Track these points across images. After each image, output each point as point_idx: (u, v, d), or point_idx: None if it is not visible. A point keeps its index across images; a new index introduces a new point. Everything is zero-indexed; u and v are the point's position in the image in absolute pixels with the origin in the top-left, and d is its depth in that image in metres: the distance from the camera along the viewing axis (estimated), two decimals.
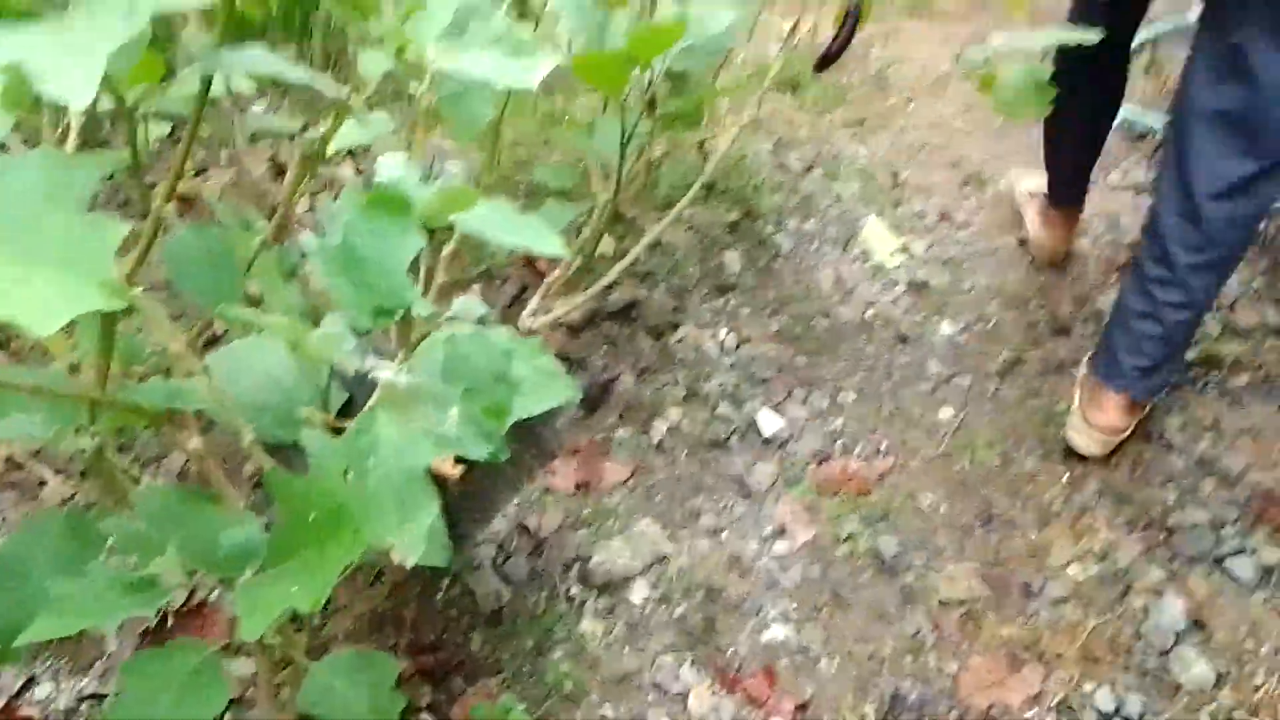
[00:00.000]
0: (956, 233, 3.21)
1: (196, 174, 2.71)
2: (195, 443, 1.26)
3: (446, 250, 1.73)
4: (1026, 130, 3.82)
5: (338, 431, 1.35)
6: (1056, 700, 1.90)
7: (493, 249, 2.48)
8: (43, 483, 1.93)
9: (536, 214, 2.21)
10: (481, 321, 1.43)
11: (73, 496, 1.96)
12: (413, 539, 0.93)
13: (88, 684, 1.73)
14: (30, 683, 1.63)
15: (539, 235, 1.03)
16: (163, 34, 1.29)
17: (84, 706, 1.70)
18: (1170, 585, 2.11)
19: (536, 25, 1.86)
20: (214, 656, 1.19)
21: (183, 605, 1.86)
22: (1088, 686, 1.93)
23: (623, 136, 1.93)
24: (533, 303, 2.23)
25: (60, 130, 1.27)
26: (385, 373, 0.97)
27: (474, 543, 1.74)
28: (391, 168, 0.95)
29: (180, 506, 1.22)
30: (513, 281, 2.55)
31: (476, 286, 2.52)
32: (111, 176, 1.99)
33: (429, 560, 1.25)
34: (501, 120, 2.17)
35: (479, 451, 1.32)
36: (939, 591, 2.08)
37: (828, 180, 3.26)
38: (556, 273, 2.19)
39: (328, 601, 1.81)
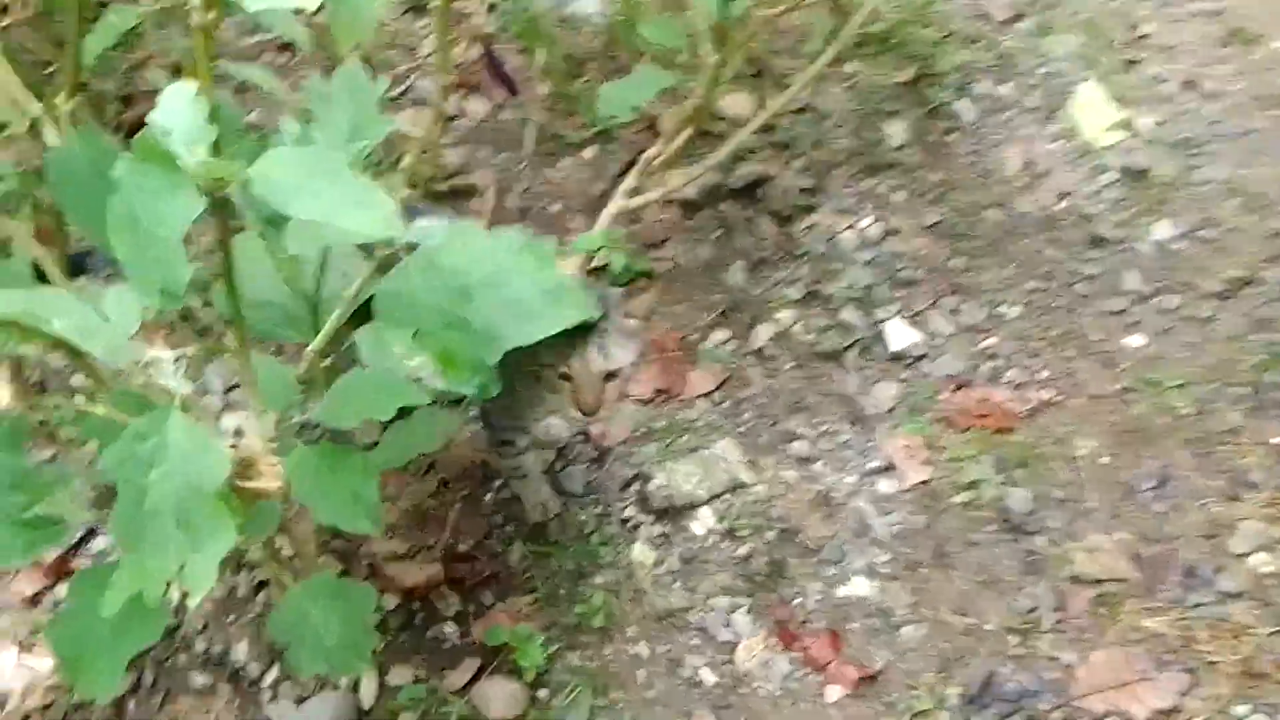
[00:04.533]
0: (1202, 106, 2.57)
1: None
2: None
3: None
4: None
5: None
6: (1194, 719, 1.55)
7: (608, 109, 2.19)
8: None
9: (628, 79, 1.92)
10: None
11: None
12: (200, 572, 0.76)
13: None
14: (91, 534, 1.68)
15: (361, 205, 0.76)
16: None
17: None
18: None
19: None
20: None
21: None
22: (1240, 709, 1.56)
23: None
24: (629, 179, 1.96)
25: None
26: (166, 378, 0.78)
27: (517, 449, 1.59)
28: (171, 106, 0.71)
29: None
30: (627, 147, 2.28)
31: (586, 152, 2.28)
32: None
33: (354, 528, 1.10)
34: None
35: (463, 388, 1.14)
36: (1073, 564, 1.73)
37: (1039, 34, 2.67)
38: (656, 147, 1.91)
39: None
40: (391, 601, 1.60)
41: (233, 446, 0.98)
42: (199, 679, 1.54)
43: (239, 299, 0.97)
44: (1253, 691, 1.58)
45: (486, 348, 1.13)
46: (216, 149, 0.80)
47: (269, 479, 0.87)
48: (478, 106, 2.44)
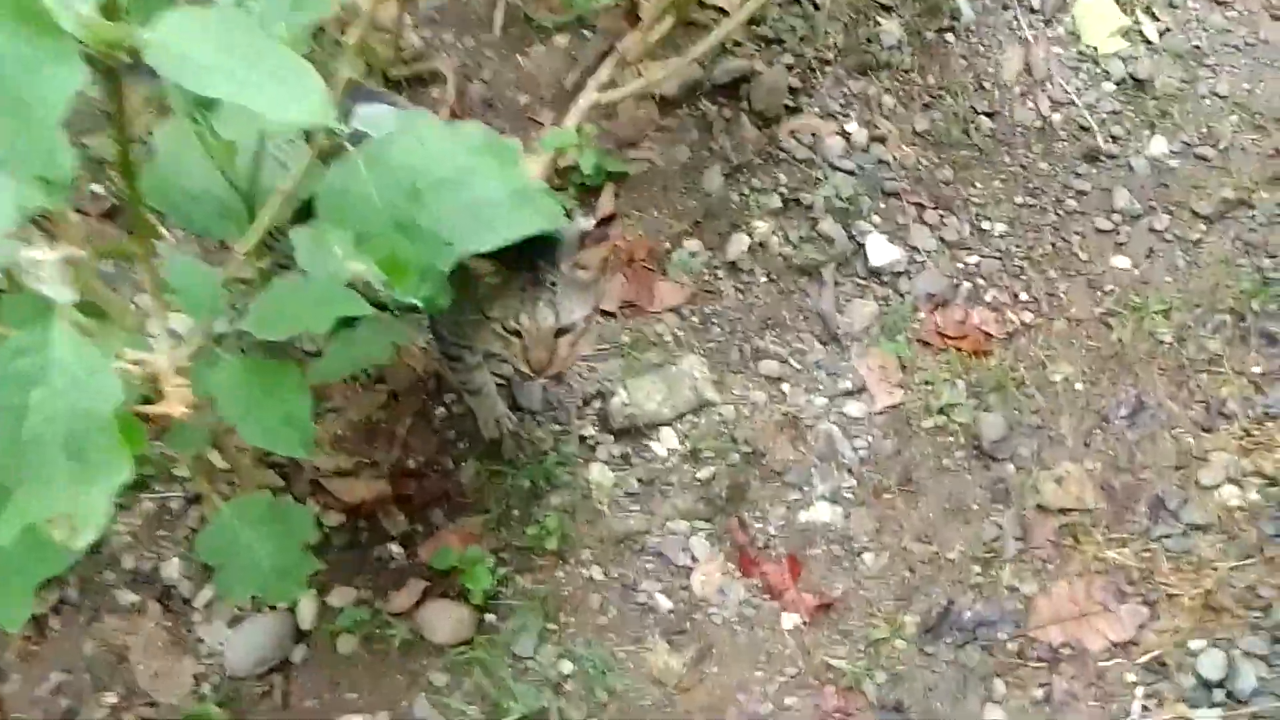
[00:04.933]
0: (1210, 14, 2.42)
1: None
2: None
3: None
4: None
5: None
6: (1148, 655, 1.54)
7: None
8: None
9: None
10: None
11: None
12: (89, 510, 0.67)
13: None
14: None
15: (284, 86, 0.63)
16: None
17: None
18: None
19: None
20: None
21: None
22: (1195, 644, 1.55)
23: None
24: (603, 71, 1.82)
25: None
26: (47, 284, 0.67)
27: (468, 365, 1.50)
28: None
29: None
30: (604, 35, 2.11)
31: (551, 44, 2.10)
32: None
33: (285, 451, 1.02)
34: None
35: (409, 297, 1.04)
36: (1041, 493, 1.69)
37: None
38: (632, 38, 1.75)
39: (321, 398, 1.66)
40: (335, 519, 1.53)
41: (137, 363, 0.88)
42: (127, 597, 1.47)
43: (139, 190, 0.85)
44: (1211, 625, 1.57)
45: (439, 253, 1.03)
46: (111, 9, 0.66)
47: (174, 402, 0.77)
48: None
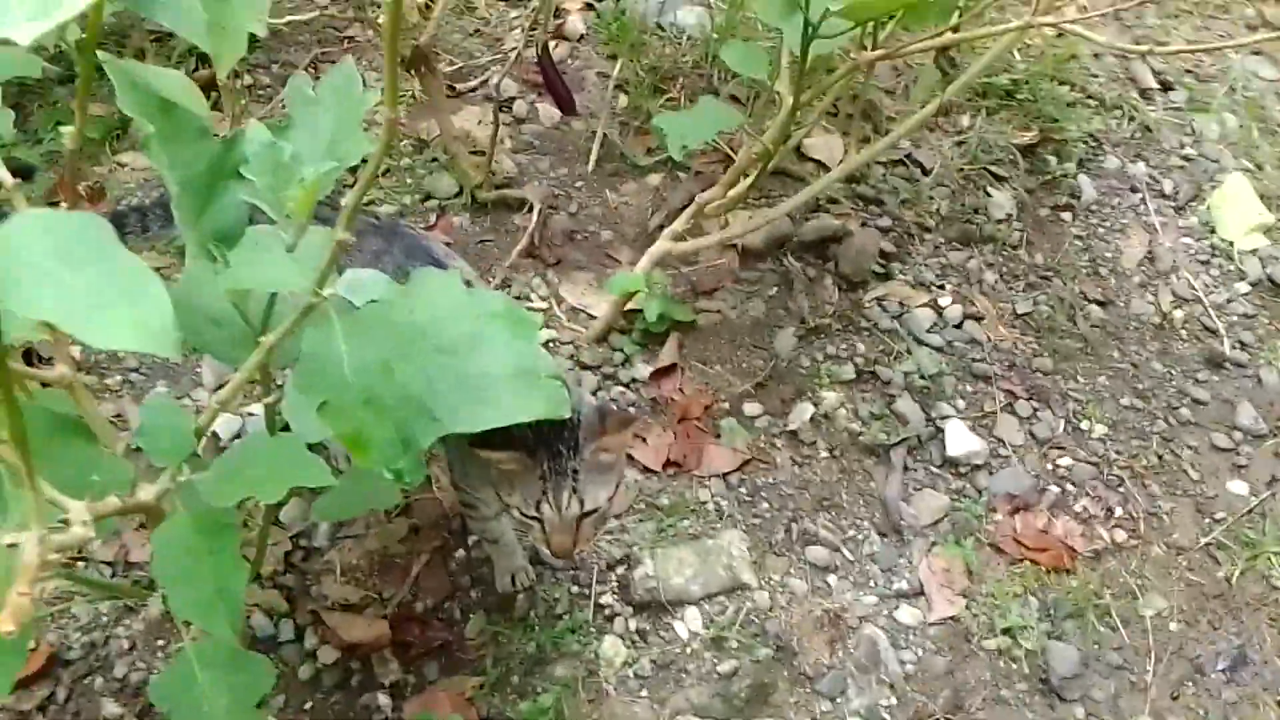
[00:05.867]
0: None
1: None
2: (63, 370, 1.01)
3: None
4: None
5: None
6: None
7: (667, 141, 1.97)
8: None
9: (690, 112, 1.72)
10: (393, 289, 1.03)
11: None
12: None
13: None
14: None
15: (124, 304, 0.54)
16: None
17: None
18: None
19: None
20: None
21: None
22: None
23: (805, 27, 1.36)
24: (680, 220, 1.76)
25: None
26: None
27: (483, 516, 1.41)
28: None
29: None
30: (698, 178, 2.07)
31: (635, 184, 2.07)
32: None
33: (209, 627, 0.95)
34: None
35: (378, 469, 0.97)
36: None
37: (1190, 109, 2.35)
38: (711, 191, 1.69)
39: (341, 524, 1.60)
40: (329, 655, 1.45)
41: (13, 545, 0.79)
42: (110, 708, 1.41)
43: None
44: None
45: (423, 427, 0.96)
46: None
47: (9, 618, 0.64)
48: (551, 111, 2.26)
